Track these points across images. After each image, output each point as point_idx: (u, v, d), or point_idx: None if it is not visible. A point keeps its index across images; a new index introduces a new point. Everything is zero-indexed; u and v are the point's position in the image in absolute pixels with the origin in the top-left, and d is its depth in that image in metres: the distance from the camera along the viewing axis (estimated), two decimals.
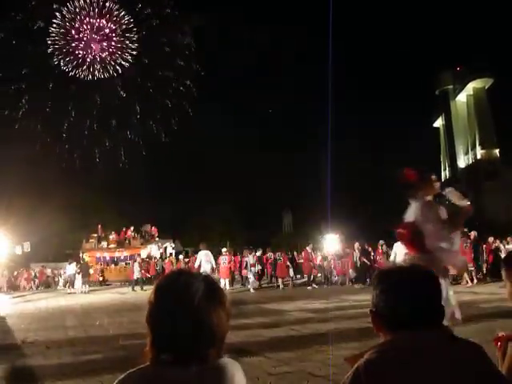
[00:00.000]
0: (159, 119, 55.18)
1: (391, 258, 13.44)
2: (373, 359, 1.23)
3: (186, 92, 53.39)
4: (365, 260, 17.82)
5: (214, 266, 17.60)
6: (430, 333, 1.26)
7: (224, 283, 17.71)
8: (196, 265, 17.16)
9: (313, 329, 7.59)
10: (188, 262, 23.38)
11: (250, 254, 19.70)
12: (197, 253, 20.89)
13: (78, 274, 22.36)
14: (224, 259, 18.91)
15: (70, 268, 23.63)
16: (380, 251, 18.45)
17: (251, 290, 17.60)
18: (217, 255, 20.25)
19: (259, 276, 19.95)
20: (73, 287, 22.67)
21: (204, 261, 16.98)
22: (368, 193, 58.29)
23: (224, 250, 20.01)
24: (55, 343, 7.41)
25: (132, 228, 32.19)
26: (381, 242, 18.56)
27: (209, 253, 17.64)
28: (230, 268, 19.44)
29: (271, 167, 68.13)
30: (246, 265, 19.30)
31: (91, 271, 25.76)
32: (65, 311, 13.31)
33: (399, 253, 10.88)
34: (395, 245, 12.59)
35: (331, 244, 21.20)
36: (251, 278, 18.47)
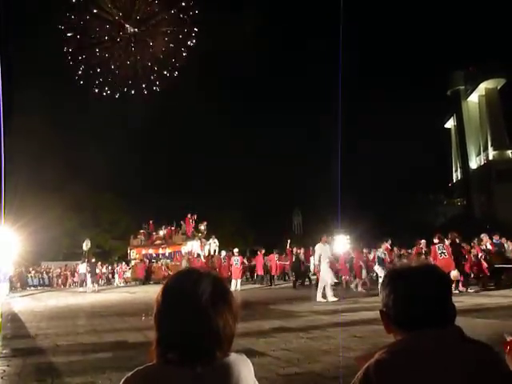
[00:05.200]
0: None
1: None
2: (383, 359, 1.21)
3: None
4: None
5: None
6: (441, 333, 1.23)
7: (235, 283, 17.72)
8: (316, 261, 13.62)
9: (322, 330, 7.56)
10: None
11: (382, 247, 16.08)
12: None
13: (88, 273, 22.67)
14: (236, 260, 18.85)
15: (82, 267, 24.07)
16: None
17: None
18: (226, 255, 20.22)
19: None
20: (83, 286, 23.05)
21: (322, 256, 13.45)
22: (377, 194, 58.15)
23: (236, 250, 19.92)
24: (65, 341, 7.45)
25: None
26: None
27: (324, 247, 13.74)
28: (244, 268, 19.32)
29: (282, 168, 68.24)
30: (378, 260, 15.65)
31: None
32: (75, 310, 13.41)
33: None
34: None
35: (341, 245, 21.02)
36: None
